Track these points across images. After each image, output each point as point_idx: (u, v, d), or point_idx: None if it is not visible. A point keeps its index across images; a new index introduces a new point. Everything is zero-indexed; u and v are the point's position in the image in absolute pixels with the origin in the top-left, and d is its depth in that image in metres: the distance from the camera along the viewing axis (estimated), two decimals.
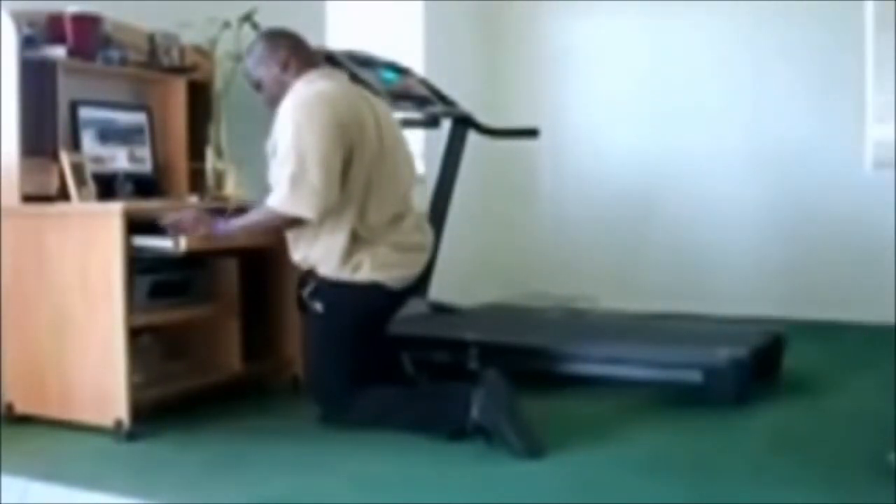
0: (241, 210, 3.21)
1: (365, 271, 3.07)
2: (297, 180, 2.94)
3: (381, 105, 3.31)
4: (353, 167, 3.03)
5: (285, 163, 2.97)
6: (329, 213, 3.01)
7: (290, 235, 3.13)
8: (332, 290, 3.12)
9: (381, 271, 3.08)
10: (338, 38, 4.69)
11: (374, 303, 3.13)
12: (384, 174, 3.12)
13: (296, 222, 3.03)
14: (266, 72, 3.20)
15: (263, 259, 3.56)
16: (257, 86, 3.24)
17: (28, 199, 3.18)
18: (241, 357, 3.53)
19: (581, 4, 5.83)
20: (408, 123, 4.19)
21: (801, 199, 5.22)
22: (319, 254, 3.10)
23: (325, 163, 2.95)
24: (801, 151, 5.23)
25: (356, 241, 3.07)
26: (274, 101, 3.15)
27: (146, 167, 3.61)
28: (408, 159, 3.30)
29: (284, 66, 3.16)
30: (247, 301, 3.57)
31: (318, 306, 3.16)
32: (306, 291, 3.19)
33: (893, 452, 2.64)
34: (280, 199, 2.98)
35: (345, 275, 3.08)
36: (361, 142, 3.05)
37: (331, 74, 3.23)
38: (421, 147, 5.21)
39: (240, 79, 3.69)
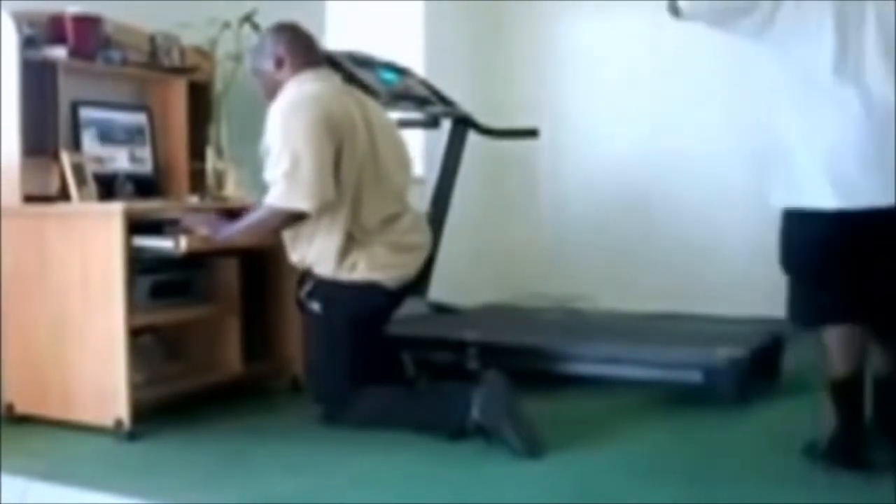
0: (239, 212, 3.23)
1: (361, 271, 3.08)
2: (291, 176, 2.96)
3: (374, 107, 3.32)
4: (343, 165, 3.04)
5: (279, 162, 2.99)
6: (325, 212, 3.02)
7: (287, 236, 3.14)
8: (330, 290, 3.13)
9: (377, 271, 3.09)
10: (338, 38, 4.69)
11: (372, 302, 3.14)
12: (376, 175, 3.13)
13: (295, 219, 3.04)
14: (263, 64, 3.23)
15: (263, 259, 3.56)
16: (255, 73, 3.29)
17: (29, 199, 3.18)
18: (241, 357, 3.53)
19: (581, 5, 5.82)
20: (408, 124, 4.19)
21: None
22: (316, 254, 3.11)
23: (318, 159, 2.97)
24: None
25: (351, 242, 3.08)
26: (268, 95, 3.18)
27: (146, 167, 3.62)
28: (402, 160, 3.30)
29: (279, 63, 3.18)
30: (247, 301, 3.57)
31: (315, 306, 3.16)
32: (304, 291, 3.20)
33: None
34: (277, 195, 3.00)
35: (342, 275, 3.09)
36: (352, 141, 3.07)
37: (324, 76, 3.23)
38: (421, 147, 5.21)
39: (240, 79, 3.71)
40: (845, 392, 2.64)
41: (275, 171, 3.00)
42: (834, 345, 2.64)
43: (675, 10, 2.77)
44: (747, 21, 2.69)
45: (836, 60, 2.56)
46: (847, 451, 2.61)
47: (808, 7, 2.61)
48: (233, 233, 3.13)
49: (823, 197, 2.56)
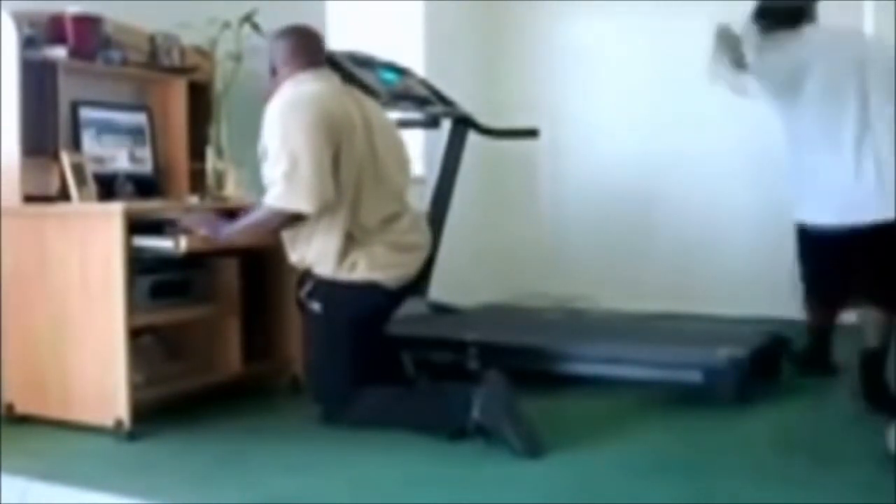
0: (239, 213, 3.23)
1: (361, 271, 3.08)
2: (290, 177, 2.96)
3: (373, 107, 3.32)
4: (342, 165, 3.04)
5: (277, 162, 2.99)
6: (325, 211, 3.02)
7: (287, 236, 3.14)
8: (330, 290, 3.12)
9: (377, 271, 3.09)
10: (338, 38, 4.69)
11: (372, 302, 3.14)
12: (375, 175, 3.13)
13: (294, 219, 3.04)
14: (269, 66, 3.24)
15: (263, 259, 3.56)
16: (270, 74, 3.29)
17: (29, 199, 3.18)
18: (241, 357, 3.53)
19: (581, 5, 5.83)
20: (408, 124, 4.19)
21: None
22: (315, 254, 3.11)
23: (316, 159, 2.97)
24: None
25: (351, 241, 3.08)
26: (267, 96, 3.18)
27: (146, 167, 3.62)
28: (401, 160, 3.30)
29: (284, 64, 3.19)
30: (247, 301, 3.57)
31: (315, 306, 3.16)
32: (304, 291, 3.20)
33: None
34: (277, 196, 2.99)
35: (341, 275, 3.09)
36: (350, 141, 3.07)
37: (323, 77, 3.22)
38: (421, 147, 5.21)
39: (240, 79, 3.71)
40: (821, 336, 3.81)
41: (273, 171, 3.00)
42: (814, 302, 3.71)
43: (739, 63, 3.60)
44: (791, 96, 3.51)
45: (858, 117, 3.37)
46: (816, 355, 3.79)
47: (837, 76, 3.43)
48: (233, 233, 3.13)
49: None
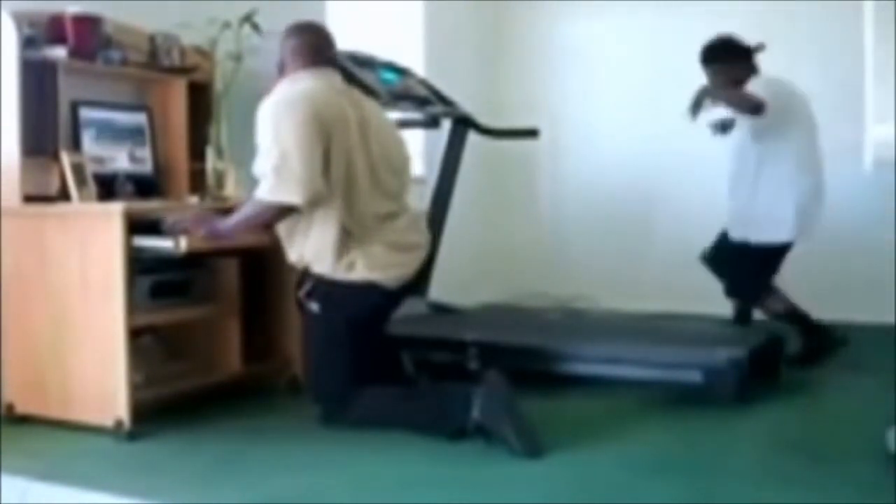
0: (231, 209, 3.23)
1: (360, 271, 3.08)
2: (280, 171, 2.97)
3: (372, 108, 3.32)
4: (332, 159, 3.05)
5: (268, 157, 3.01)
6: (318, 205, 3.02)
7: (284, 233, 3.14)
8: (328, 290, 3.12)
9: (376, 271, 3.09)
10: (338, 38, 4.67)
11: (371, 302, 3.14)
12: (370, 173, 3.12)
13: (286, 212, 3.04)
14: (278, 63, 3.25)
15: (263, 259, 3.56)
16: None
17: (29, 199, 3.18)
18: (241, 357, 3.53)
19: (581, 5, 5.83)
20: (408, 124, 4.19)
21: None
22: (313, 251, 3.10)
23: (306, 154, 2.98)
24: None
25: (348, 237, 3.08)
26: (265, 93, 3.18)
27: (146, 167, 3.62)
28: (400, 161, 3.29)
29: (290, 62, 3.20)
30: (247, 301, 3.57)
31: (314, 306, 3.16)
32: (303, 291, 3.19)
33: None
34: (267, 189, 3.01)
35: (340, 274, 3.09)
36: (340, 136, 3.07)
37: (322, 76, 3.22)
38: (421, 147, 5.21)
39: (240, 79, 3.70)
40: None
41: (264, 165, 3.02)
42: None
43: (728, 126, 4.37)
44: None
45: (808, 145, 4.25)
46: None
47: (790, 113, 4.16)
48: (229, 228, 3.13)
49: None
